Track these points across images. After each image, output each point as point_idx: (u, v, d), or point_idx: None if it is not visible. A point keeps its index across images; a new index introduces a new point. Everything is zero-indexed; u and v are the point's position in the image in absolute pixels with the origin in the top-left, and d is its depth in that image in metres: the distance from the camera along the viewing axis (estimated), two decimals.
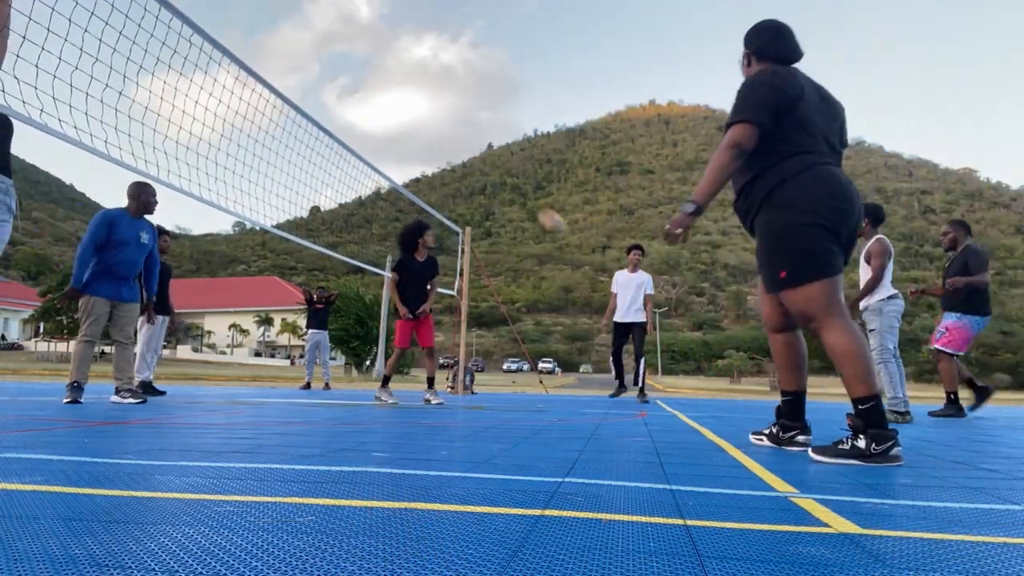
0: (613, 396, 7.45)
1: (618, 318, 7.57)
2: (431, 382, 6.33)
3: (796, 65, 2.67)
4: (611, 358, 7.71)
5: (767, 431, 2.82)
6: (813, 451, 2.35)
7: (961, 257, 5.81)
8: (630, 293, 7.50)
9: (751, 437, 2.93)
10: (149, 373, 6.71)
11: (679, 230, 2.50)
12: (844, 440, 2.28)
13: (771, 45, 2.68)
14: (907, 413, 4.89)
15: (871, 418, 2.24)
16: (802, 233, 2.39)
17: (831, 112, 2.63)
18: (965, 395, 6.03)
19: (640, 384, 7.55)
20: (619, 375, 7.62)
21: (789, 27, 2.73)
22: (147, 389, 6.51)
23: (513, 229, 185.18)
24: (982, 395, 6.02)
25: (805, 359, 2.76)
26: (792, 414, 2.72)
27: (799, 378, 2.73)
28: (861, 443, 2.22)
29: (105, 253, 5.08)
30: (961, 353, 5.84)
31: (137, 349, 6.58)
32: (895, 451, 2.20)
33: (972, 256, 5.76)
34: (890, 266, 5.09)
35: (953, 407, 5.88)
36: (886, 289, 5.04)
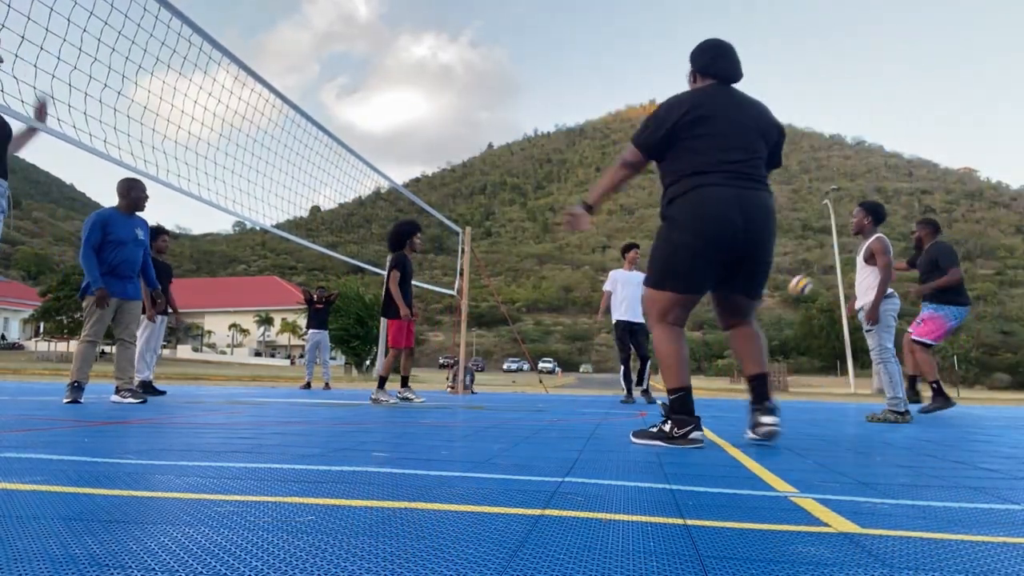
0: (624, 403, 7.38)
1: (623, 316, 7.40)
2: (406, 381, 6.48)
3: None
4: (622, 368, 7.47)
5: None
6: (632, 434, 2.77)
7: (929, 254, 5.88)
8: (631, 291, 7.38)
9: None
10: (149, 373, 6.70)
11: (568, 219, 2.93)
12: (657, 424, 2.68)
13: (713, 65, 2.86)
14: (907, 412, 4.89)
15: (676, 406, 2.61)
16: (673, 247, 2.66)
17: (759, 128, 2.75)
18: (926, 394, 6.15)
19: (644, 384, 7.52)
20: (629, 386, 7.53)
21: (731, 46, 2.90)
22: (147, 389, 6.51)
23: (513, 229, 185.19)
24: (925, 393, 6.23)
25: (762, 346, 2.83)
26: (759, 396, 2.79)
27: (761, 363, 2.82)
28: (667, 427, 2.61)
29: (105, 254, 5.07)
30: (934, 343, 5.90)
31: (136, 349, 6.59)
32: (694, 434, 2.56)
33: (942, 254, 5.82)
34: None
35: (940, 398, 5.89)
36: None
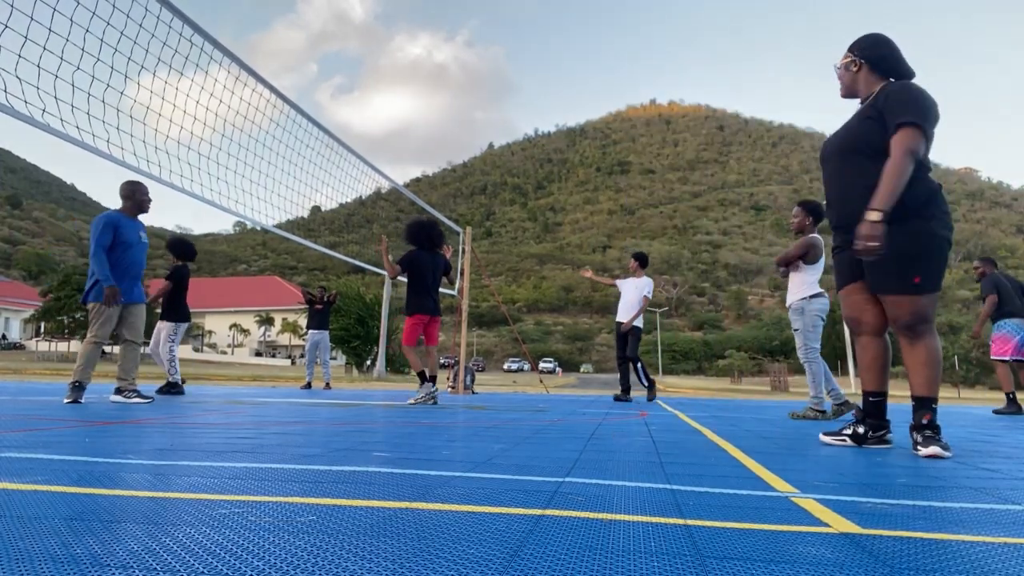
0: (616, 400, 7.47)
1: (618, 318, 7.70)
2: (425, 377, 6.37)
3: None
4: (617, 362, 7.76)
5: (848, 431, 2.84)
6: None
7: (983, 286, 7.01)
8: (627, 295, 7.66)
9: (823, 437, 2.93)
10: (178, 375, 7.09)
11: (876, 243, 2.38)
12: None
13: (892, 59, 2.71)
14: (827, 412, 4.95)
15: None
16: (943, 247, 2.55)
17: None
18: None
19: (648, 385, 7.61)
20: (624, 385, 7.63)
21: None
22: (172, 388, 6.91)
23: (514, 229, 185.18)
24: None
25: (890, 360, 2.85)
26: (879, 414, 2.80)
27: (885, 379, 2.82)
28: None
29: (114, 256, 5.07)
30: (999, 358, 7.08)
31: (162, 351, 7.15)
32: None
33: (982, 286, 7.19)
34: (820, 266, 5.02)
35: (1013, 405, 6.83)
36: (810, 288, 4.96)
